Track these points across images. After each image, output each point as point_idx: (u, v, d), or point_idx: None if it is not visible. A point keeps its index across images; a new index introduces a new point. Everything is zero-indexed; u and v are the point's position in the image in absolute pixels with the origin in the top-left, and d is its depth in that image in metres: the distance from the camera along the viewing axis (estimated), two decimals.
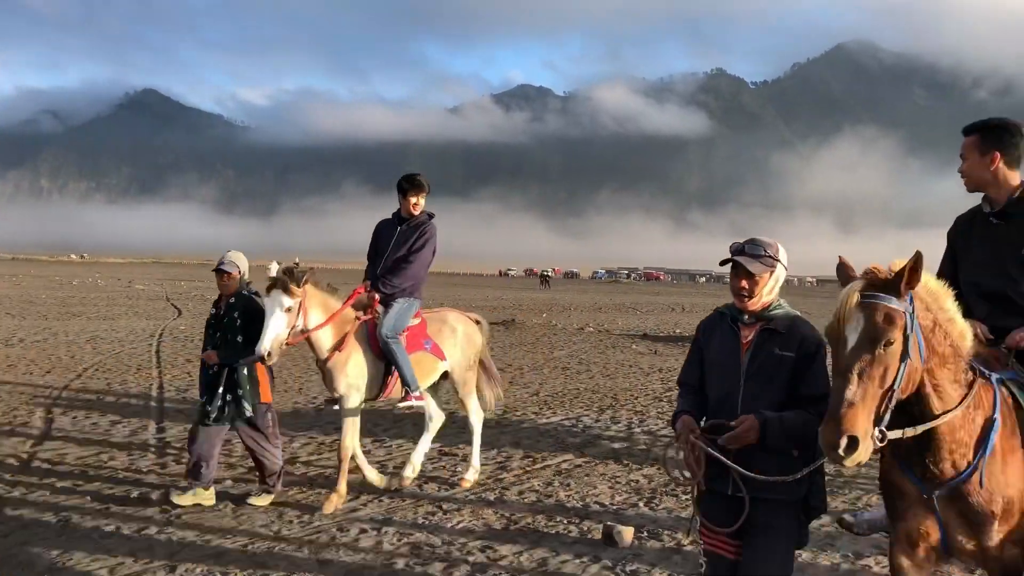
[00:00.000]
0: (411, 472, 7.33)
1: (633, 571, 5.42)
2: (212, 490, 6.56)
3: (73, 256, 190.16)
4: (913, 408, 3.13)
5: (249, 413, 6.52)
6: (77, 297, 36.25)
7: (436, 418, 7.77)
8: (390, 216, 7.37)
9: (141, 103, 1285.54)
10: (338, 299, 6.80)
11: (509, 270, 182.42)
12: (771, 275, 3.58)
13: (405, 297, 7.02)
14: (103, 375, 13.56)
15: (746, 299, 3.55)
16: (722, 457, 3.40)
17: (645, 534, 6.10)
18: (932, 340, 3.12)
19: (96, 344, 18.05)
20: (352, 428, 6.77)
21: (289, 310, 6.20)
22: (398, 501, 6.88)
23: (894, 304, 2.98)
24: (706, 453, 3.46)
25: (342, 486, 6.68)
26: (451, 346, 7.41)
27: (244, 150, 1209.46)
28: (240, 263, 6.71)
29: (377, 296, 6.98)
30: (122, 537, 5.85)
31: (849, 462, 2.85)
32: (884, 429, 2.93)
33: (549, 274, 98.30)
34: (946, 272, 4.11)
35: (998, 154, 3.88)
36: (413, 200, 7.09)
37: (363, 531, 6.10)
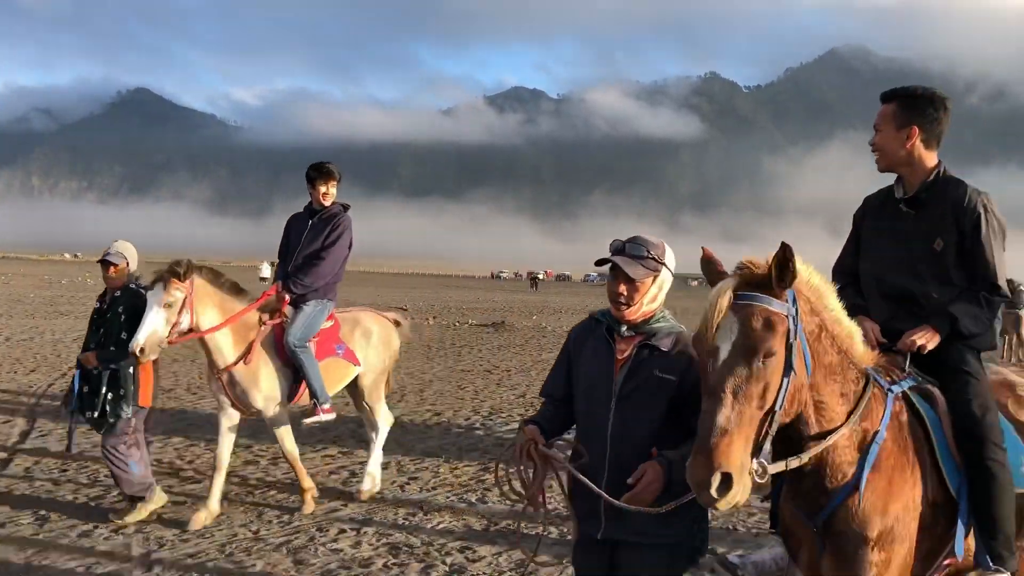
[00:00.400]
0: (370, 486, 6.98)
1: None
2: (158, 491, 6.32)
3: (66, 255, 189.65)
4: (790, 430, 2.68)
5: (127, 415, 6.04)
6: (65, 296, 36.10)
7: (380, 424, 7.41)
8: (301, 209, 6.95)
9: (133, 102, 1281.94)
10: (243, 301, 6.35)
11: (501, 272, 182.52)
12: (654, 280, 3.07)
13: (317, 299, 6.58)
14: None
15: (624, 307, 3.05)
16: (579, 474, 2.95)
17: None
18: (818, 348, 2.69)
19: (82, 343, 17.98)
20: (287, 434, 6.50)
21: (169, 306, 5.78)
22: (379, 502, 6.81)
23: (775, 306, 2.51)
24: (569, 474, 3.03)
25: (306, 482, 6.57)
26: (363, 349, 7.00)
27: (237, 150, 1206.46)
28: (128, 254, 6.26)
29: (287, 297, 6.52)
30: (99, 536, 5.81)
31: (723, 504, 2.36)
32: (764, 461, 2.47)
33: (540, 276, 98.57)
34: (847, 261, 3.67)
35: (916, 129, 3.32)
36: (323, 189, 6.66)
37: (342, 531, 6.07)
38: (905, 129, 3.33)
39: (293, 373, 6.47)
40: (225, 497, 6.60)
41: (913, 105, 3.35)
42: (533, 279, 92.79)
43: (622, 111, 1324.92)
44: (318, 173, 6.66)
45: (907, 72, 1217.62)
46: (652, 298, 3.07)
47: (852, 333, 2.86)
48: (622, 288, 3.02)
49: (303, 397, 6.58)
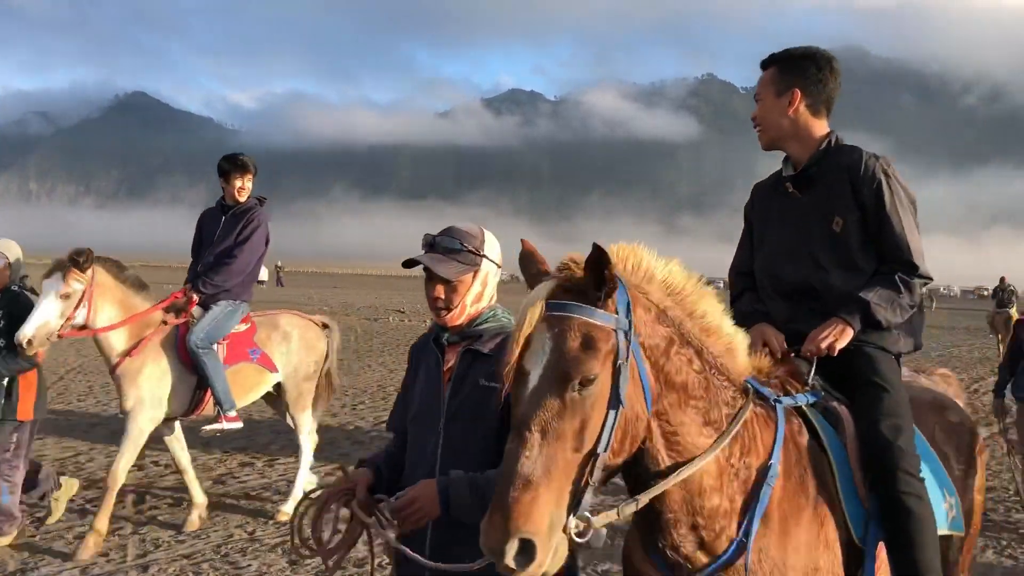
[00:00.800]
0: (290, 506, 6.31)
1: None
2: (66, 480, 6.20)
3: None
4: (636, 466, 2.10)
5: None
6: None
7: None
8: (214, 204, 6.53)
9: (130, 105, 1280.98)
10: (145, 298, 5.95)
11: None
12: (475, 276, 2.55)
13: (229, 300, 6.13)
14: (85, 377, 13.47)
15: (444, 312, 2.54)
16: (399, 545, 2.36)
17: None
18: (667, 367, 2.10)
19: (79, 346, 17.90)
20: (131, 452, 5.75)
21: (67, 297, 5.39)
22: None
23: (597, 319, 1.95)
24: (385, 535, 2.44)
25: (100, 523, 5.57)
26: (282, 354, 6.47)
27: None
28: (10, 253, 5.74)
29: (195, 297, 6.07)
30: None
31: None
32: (588, 514, 1.89)
33: None
34: (743, 261, 3.16)
35: (798, 92, 2.84)
36: (238, 184, 6.25)
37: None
38: (786, 94, 2.86)
39: (197, 379, 5.99)
40: (221, 498, 6.48)
41: (793, 66, 2.89)
42: None
43: (619, 113, 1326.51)
44: (231, 165, 6.26)
45: (904, 73, 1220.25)
46: (476, 297, 2.56)
47: (733, 345, 2.29)
48: (438, 291, 2.52)
49: (210, 406, 6.09)
